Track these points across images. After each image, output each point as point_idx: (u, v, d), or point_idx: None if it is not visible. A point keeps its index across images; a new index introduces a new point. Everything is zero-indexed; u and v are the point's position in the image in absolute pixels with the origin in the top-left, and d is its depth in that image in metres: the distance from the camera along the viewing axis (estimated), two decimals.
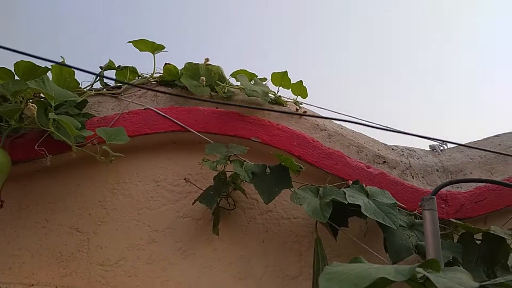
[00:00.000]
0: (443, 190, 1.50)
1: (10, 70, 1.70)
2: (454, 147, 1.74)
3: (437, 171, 1.63)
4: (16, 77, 1.70)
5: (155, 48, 1.80)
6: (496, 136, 1.71)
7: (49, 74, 1.69)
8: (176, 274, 1.46)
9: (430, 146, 1.76)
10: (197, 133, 1.58)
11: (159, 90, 1.70)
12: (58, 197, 1.56)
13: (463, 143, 1.71)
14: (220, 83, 1.77)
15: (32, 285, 1.42)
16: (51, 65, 1.73)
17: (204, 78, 1.71)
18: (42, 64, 1.60)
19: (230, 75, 1.85)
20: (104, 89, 1.81)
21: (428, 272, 0.63)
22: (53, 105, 1.44)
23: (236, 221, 1.54)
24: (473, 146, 1.66)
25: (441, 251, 1.01)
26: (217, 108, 1.69)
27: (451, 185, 1.56)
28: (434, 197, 1.05)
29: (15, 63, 1.61)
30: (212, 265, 1.48)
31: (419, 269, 0.63)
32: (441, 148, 1.73)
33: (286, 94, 1.86)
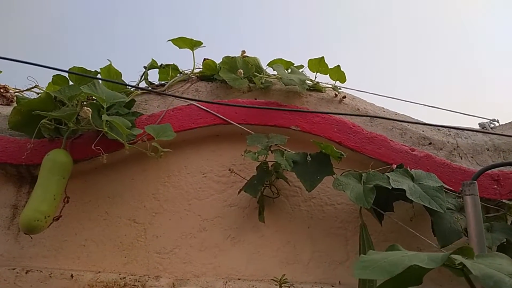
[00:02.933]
0: (495, 170, 1.44)
1: (65, 77, 1.85)
2: (506, 123, 1.65)
3: (488, 150, 1.56)
4: (70, 83, 1.84)
5: (193, 44, 1.86)
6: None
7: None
8: (227, 260, 1.54)
9: (479, 124, 1.68)
10: (238, 125, 1.63)
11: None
12: (115, 191, 1.69)
13: None
14: (258, 74, 1.79)
15: (99, 272, 1.56)
16: (100, 69, 1.85)
17: (241, 70, 1.75)
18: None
19: (267, 65, 1.87)
20: (150, 88, 1.91)
21: (465, 259, 0.63)
22: (105, 107, 1.55)
23: (280, 208, 1.59)
24: None
25: (484, 236, 0.98)
26: (256, 99, 1.73)
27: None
28: (475, 182, 1.02)
29: (68, 69, 1.75)
30: (260, 251, 1.54)
31: (455, 256, 0.63)
32: (492, 125, 1.64)
33: (324, 79, 1.86)
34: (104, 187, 1.71)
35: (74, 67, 1.81)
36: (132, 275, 1.53)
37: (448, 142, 1.58)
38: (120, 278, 1.50)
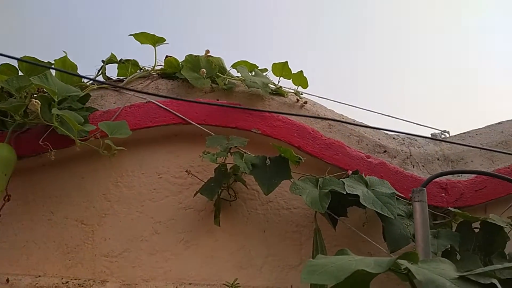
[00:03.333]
0: (443, 178, 1.50)
1: (14, 66, 1.73)
2: (455, 135, 1.73)
3: (438, 159, 1.62)
4: (20, 73, 1.73)
5: (155, 40, 1.80)
6: (498, 123, 1.69)
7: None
8: (179, 265, 1.49)
9: (431, 134, 1.75)
10: (198, 125, 1.59)
11: None
12: (63, 190, 1.60)
13: (464, 131, 1.71)
14: (221, 75, 1.77)
15: (39, 276, 1.46)
16: (54, 60, 1.76)
17: (204, 70, 1.72)
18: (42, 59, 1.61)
19: (231, 67, 1.86)
20: (107, 83, 1.83)
21: (411, 264, 0.64)
22: (56, 100, 1.47)
23: (237, 212, 1.56)
24: (475, 134, 1.65)
25: (429, 242, 1.02)
26: (218, 100, 1.70)
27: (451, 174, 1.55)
28: (424, 189, 1.06)
29: (19, 59, 1.64)
30: (214, 255, 1.50)
31: (400, 261, 0.64)
32: (443, 136, 1.72)
33: (287, 84, 1.86)
34: (50, 185, 1.61)
35: (25, 56, 1.70)
36: (75, 279, 1.44)
37: (402, 150, 1.63)
38: (62, 283, 1.41)
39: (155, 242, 1.52)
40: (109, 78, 1.88)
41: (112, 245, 1.51)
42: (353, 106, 1.77)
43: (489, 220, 1.27)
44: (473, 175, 1.49)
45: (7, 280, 1.39)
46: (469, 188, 1.48)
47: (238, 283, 1.31)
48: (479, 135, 1.69)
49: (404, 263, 0.63)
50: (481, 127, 1.70)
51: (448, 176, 1.49)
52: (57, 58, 1.74)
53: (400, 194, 1.44)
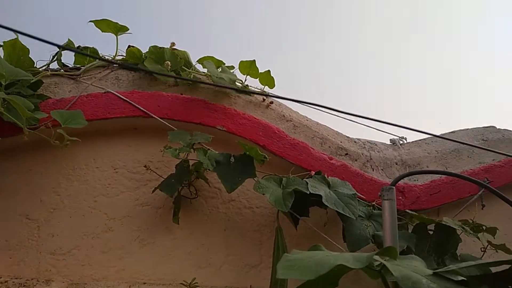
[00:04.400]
0: (401, 182, 1.55)
1: None
2: (413, 141, 1.80)
3: (396, 164, 1.68)
4: None
5: (118, 29, 1.72)
6: (452, 132, 1.79)
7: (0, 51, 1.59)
8: (133, 263, 1.41)
9: (390, 140, 1.81)
10: (159, 119, 1.53)
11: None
12: (7, 182, 1.47)
13: (420, 138, 1.78)
14: (186, 69, 1.72)
15: None
16: (3, 42, 1.62)
17: (169, 62, 1.66)
18: None
19: (197, 61, 1.81)
20: (62, 70, 1.71)
21: (385, 260, 0.64)
22: (3, 84, 1.35)
23: (197, 210, 1.52)
24: (431, 141, 1.73)
25: (397, 240, 1.03)
26: (182, 94, 1.65)
27: (408, 178, 1.61)
28: (394, 187, 1.08)
29: None
30: (171, 254, 1.44)
31: (377, 257, 0.64)
32: (401, 142, 1.78)
33: (253, 83, 1.85)
34: None
35: None
36: (16, 278, 1.32)
37: (362, 154, 1.67)
38: (1, 282, 1.29)
39: (107, 240, 1.43)
40: (65, 65, 1.76)
41: (60, 242, 1.40)
42: (319, 106, 1.77)
43: (443, 223, 1.32)
44: (429, 180, 1.55)
45: None
46: (425, 192, 1.54)
47: (196, 283, 1.27)
48: (434, 142, 1.77)
49: (379, 259, 0.62)
50: (437, 134, 1.78)
51: (405, 179, 1.55)
52: (6, 40, 1.61)
53: (361, 196, 1.46)
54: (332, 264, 0.59)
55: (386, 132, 1.76)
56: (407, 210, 1.46)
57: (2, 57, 1.54)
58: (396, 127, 1.28)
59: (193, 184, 1.52)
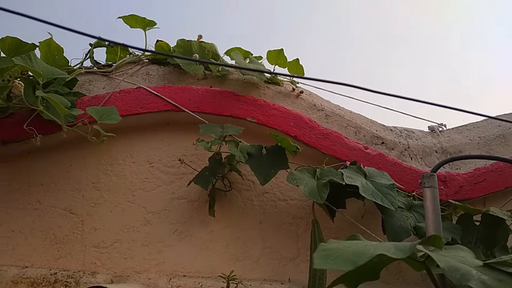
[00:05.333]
0: (442, 171, 1.48)
1: None
2: (453, 128, 1.71)
3: (436, 152, 1.61)
4: (2, 54, 1.63)
5: (146, 24, 1.73)
6: (508, 113, 1.67)
7: (37, 52, 1.63)
8: (172, 256, 1.44)
9: (429, 127, 1.73)
10: (191, 112, 1.54)
11: None
12: (50, 178, 1.53)
13: (460, 125, 1.69)
14: (214, 61, 1.71)
15: (26, 267, 1.40)
16: (39, 42, 1.66)
17: (197, 55, 1.65)
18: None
19: (225, 53, 1.79)
20: (95, 67, 1.75)
21: (429, 250, 0.60)
22: (41, 82, 1.39)
23: (232, 202, 1.52)
24: (472, 128, 1.64)
25: (441, 229, 0.98)
26: (211, 87, 1.64)
27: (450, 167, 1.54)
28: (435, 174, 1.03)
29: (0, 39, 1.54)
30: (208, 247, 1.46)
31: (420, 247, 0.60)
32: (440, 129, 1.70)
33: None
34: (37, 173, 1.53)
35: (7, 36, 1.60)
36: (64, 270, 1.38)
37: (400, 142, 1.61)
38: (51, 274, 1.36)
39: (147, 233, 1.47)
40: (97, 63, 1.79)
41: (103, 235, 1.46)
42: (350, 97, 1.72)
43: (490, 213, 1.25)
44: (472, 168, 1.48)
45: None
46: (468, 181, 1.46)
47: (235, 275, 1.28)
48: (476, 128, 1.67)
49: (423, 249, 0.59)
50: (479, 120, 1.69)
51: (447, 168, 1.48)
52: (42, 41, 1.65)
53: (400, 186, 1.42)
54: (371, 254, 0.56)
55: (424, 119, 1.68)
56: (450, 200, 1.40)
57: (39, 57, 1.58)
58: (437, 110, 1.18)
59: (226, 177, 1.53)
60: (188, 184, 1.45)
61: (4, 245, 1.45)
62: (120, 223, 1.48)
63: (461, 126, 1.70)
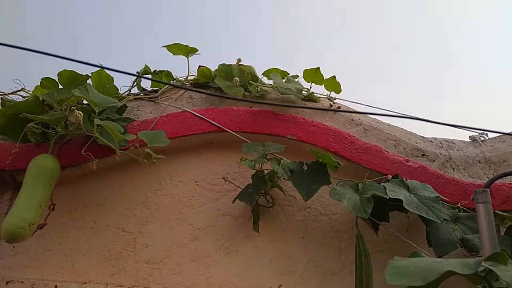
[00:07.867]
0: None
1: (54, 80, 1.80)
2: (495, 137, 1.69)
3: (479, 162, 1.59)
4: (60, 86, 1.79)
5: (188, 51, 1.84)
6: None
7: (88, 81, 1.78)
8: (220, 271, 1.50)
9: (470, 137, 1.71)
10: (233, 132, 1.61)
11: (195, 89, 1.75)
12: (104, 199, 1.64)
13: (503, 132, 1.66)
14: (253, 83, 1.79)
15: (85, 283, 1.49)
16: (91, 73, 1.81)
17: (237, 78, 1.74)
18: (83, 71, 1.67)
19: (262, 74, 1.88)
20: (142, 94, 1.87)
21: (490, 265, 0.63)
22: (97, 111, 1.51)
23: (275, 218, 1.57)
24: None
25: (497, 245, 0.98)
26: (251, 107, 1.72)
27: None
28: (488, 189, 1.03)
29: (58, 73, 1.70)
30: (254, 262, 1.51)
31: (485, 263, 0.63)
32: (482, 138, 1.68)
33: (319, 90, 1.87)
34: (92, 194, 1.65)
35: (64, 70, 1.76)
36: (120, 286, 1.46)
37: (440, 153, 1.60)
38: None
39: (195, 249, 1.53)
40: (144, 89, 1.93)
41: (153, 252, 1.53)
42: (386, 110, 1.74)
43: None
44: None
45: (55, 287, 1.42)
46: None
47: None
48: None
49: (487, 265, 0.61)
50: None
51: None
52: (93, 71, 1.80)
53: (443, 198, 1.41)
54: (441, 271, 0.60)
55: (466, 128, 1.66)
56: (496, 211, 1.37)
57: (91, 85, 1.72)
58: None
59: (269, 193, 1.58)
60: (233, 201, 1.51)
61: (64, 262, 1.56)
62: (169, 239, 1.55)
63: (504, 135, 1.67)
